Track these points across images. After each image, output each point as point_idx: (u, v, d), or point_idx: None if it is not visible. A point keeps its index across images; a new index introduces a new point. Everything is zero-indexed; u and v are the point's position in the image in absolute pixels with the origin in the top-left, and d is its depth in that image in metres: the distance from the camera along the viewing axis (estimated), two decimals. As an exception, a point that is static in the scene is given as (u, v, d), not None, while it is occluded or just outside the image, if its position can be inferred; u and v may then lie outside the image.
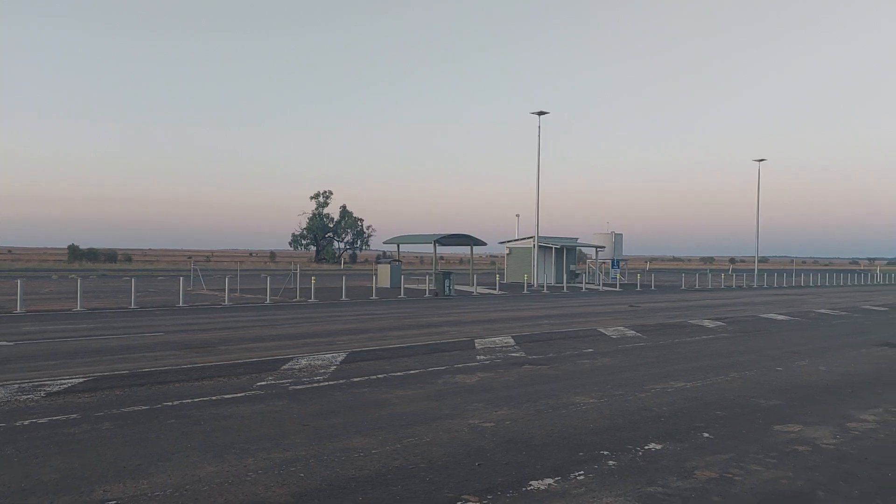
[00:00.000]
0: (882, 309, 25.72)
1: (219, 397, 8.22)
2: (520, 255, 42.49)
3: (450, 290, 29.92)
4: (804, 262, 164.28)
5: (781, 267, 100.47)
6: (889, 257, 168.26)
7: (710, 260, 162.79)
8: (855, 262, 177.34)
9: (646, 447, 6.30)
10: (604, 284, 40.95)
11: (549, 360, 11.56)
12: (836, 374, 10.67)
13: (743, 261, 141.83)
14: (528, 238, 41.65)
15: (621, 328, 16.86)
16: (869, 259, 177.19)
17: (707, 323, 18.57)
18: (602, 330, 16.37)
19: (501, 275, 43.15)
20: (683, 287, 41.43)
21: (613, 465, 5.76)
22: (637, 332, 16.14)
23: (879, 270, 77.61)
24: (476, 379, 9.74)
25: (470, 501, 4.86)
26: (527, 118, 68.77)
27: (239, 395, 8.38)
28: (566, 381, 9.65)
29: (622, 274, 47.55)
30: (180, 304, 22.23)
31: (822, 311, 24.13)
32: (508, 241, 44.40)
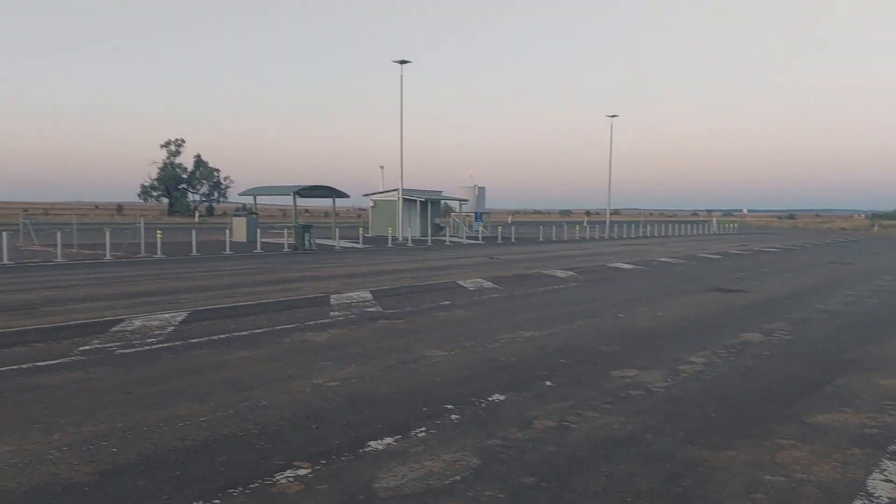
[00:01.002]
0: (716, 256, 27.89)
1: (31, 365, 7.35)
2: (384, 207, 42.12)
3: (310, 244, 29.12)
4: (651, 214, 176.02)
5: (632, 219, 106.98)
6: (723, 209, 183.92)
7: (569, 213, 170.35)
8: (695, 213, 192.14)
9: (490, 399, 6.28)
10: (467, 237, 41.59)
11: (405, 314, 11.42)
12: (671, 318, 11.31)
13: (598, 213, 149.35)
14: (393, 191, 41.31)
15: (479, 280, 17.07)
16: (707, 211, 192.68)
17: (560, 273, 19.24)
18: (461, 282, 16.49)
19: (366, 228, 42.70)
20: (542, 239, 42.92)
21: (456, 419, 5.68)
22: (494, 283, 16.40)
23: (716, 221, 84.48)
24: (327, 336, 9.40)
25: (301, 468, 4.58)
26: (390, 68, 67.70)
27: (56, 361, 7.54)
28: (420, 335, 9.54)
29: (485, 227, 48.51)
30: (4, 262, 20.04)
31: (664, 259, 25.78)
32: (373, 194, 43.85)
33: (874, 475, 4.45)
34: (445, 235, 41.21)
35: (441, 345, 8.80)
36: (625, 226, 60.08)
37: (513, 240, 41.06)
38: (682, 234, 57.44)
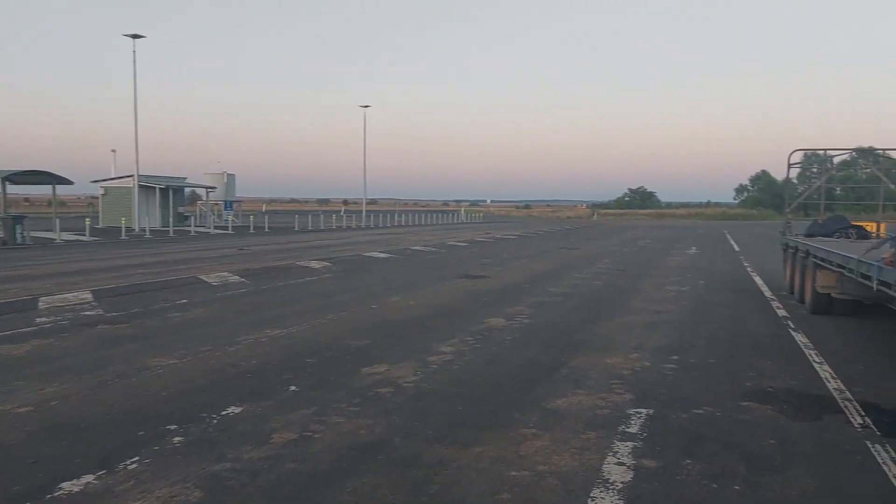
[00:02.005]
0: (463, 244, 29.27)
1: None
2: (118, 195, 37.92)
3: (23, 237, 25.09)
4: (407, 204, 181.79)
5: (389, 208, 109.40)
6: (471, 199, 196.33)
7: (327, 202, 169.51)
8: (446, 203, 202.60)
9: (223, 412, 5.55)
10: (216, 227, 39.11)
11: (133, 317, 10.05)
12: (423, 307, 11.33)
13: (356, 202, 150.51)
14: (128, 177, 37.34)
15: (225, 274, 15.85)
16: (457, 201, 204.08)
17: (314, 264, 18.64)
18: (203, 277, 15.15)
19: (97, 219, 38.15)
20: (297, 228, 41.85)
21: (180, 441, 4.88)
22: (241, 277, 15.32)
23: (464, 211, 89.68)
24: (27, 349, 7.85)
25: (-43, 533, 3.51)
26: (122, 42, 61.36)
27: None
28: (147, 341, 8.37)
29: (236, 216, 46.10)
30: None
31: (416, 247, 26.40)
32: (104, 181, 39.30)
33: (608, 459, 4.57)
34: (191, 225, 38.26)
35: (171, 351, 7.77)
36: (381, 215, 61.08)
37: (266, 229, 39.48)
38: (435, 222, 59.93)
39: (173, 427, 5.17)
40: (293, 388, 6.32)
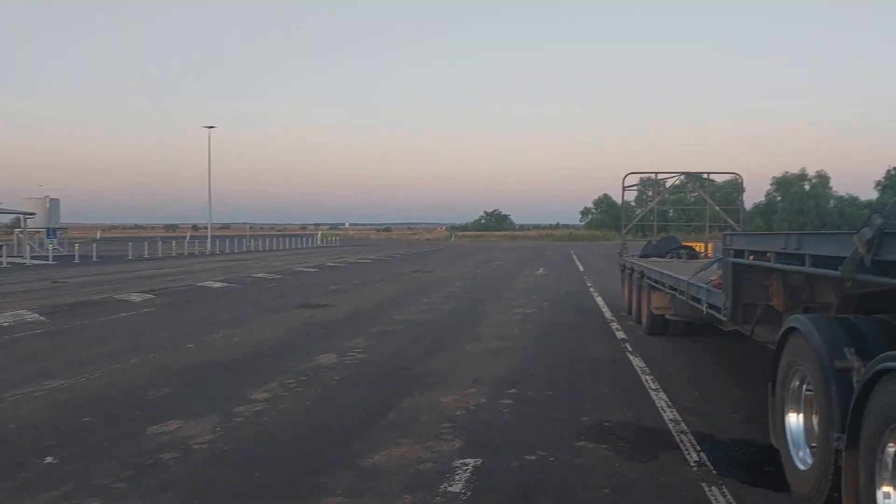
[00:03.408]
0: (313, 270, 28.00)
1: None
2: (-89, 223, 33.06)
3: None
4: (262, 228, 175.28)
5: (241, 233, 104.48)
6: (330, 223, 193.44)
7: (175, 227, 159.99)
8: (304, 227, 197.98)
9: (-65, 505, 4.25)
10: (33, 257, 35.11)
11: None
12: (248, 344, 10.19)
13: (206, 227, 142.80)
14: (-75, 202, 32.67)
15: (22, 312, 13.73)
16: (315, 224, 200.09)
17: (135, 297, 16.75)
18: (-7, 317, 13.01)
19: None
20: (131, 257, 38.53)
21: None
22: (42, 315, 13.32)
23: (321, 234, 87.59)
24: None
25: None
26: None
27: None
28: None
29: (61, 244, 41.81)
30: None
31: (259, 275, 24.82)
32: None
33: (419, 535, 3.83)
34: (2, 256, 33.99)
35: None
36: (229, 240, 58.00)
37: (95, 258, 35.96)
38: (288, 247, 57.75)
39: None
40: (50, 459, 5.08)
